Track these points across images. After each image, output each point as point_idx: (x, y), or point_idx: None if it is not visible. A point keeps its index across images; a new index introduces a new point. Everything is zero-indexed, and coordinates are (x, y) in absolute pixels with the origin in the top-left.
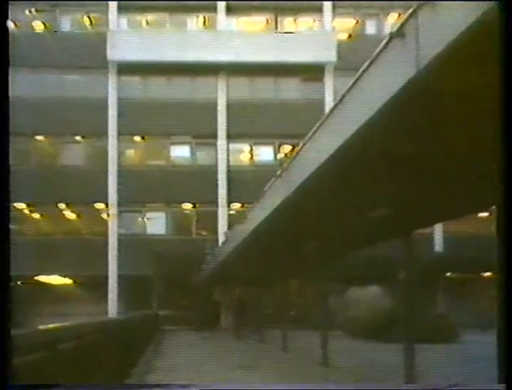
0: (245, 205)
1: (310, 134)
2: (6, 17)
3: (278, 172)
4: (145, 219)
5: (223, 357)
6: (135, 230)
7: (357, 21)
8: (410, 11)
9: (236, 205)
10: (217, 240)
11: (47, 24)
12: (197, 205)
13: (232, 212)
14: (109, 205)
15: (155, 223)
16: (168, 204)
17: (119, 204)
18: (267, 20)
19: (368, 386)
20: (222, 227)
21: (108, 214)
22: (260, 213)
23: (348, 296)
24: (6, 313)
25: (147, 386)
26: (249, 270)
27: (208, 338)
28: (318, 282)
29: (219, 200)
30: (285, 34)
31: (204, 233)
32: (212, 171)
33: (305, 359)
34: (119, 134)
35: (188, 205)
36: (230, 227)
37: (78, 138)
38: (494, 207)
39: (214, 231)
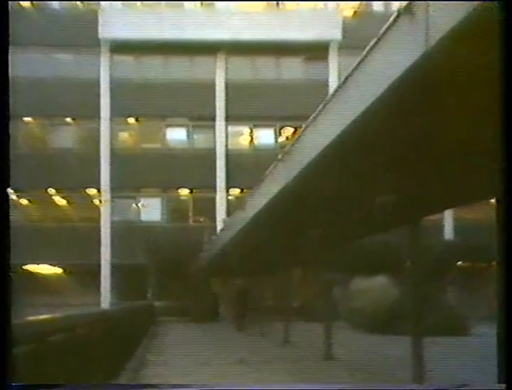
0: (245, 190)
1: (312, 116)
2: (7, 17)
3: (279, 156)
4: (140, 206)
5: (222, 350)
6: (129, 217)
7: None
8: None
9: (235, 191)
10: (215, 227)
11: (35, 1)
12: (194, 191)
13: (230, 198)
14: (101, 191)
15: (150, 209)
16: (164, 189)
17: (112, 189)
18: None
19: (368, 386)
20: (220, 214)
21: (100, 201)
22: (260, 199)
23: (353, 287)
24: (7, 313)
25: (147, 386)
26: (249, 259)
27: (207, 330)
28: (321, 272)
29: (218, 185)
30: (287, 11)
31: (201, 220)
32: (210, 154)
33: (307, 353)
34: (112, 116)
35: (184, 191)
36: (229, 213)
37: (69, 120)
38: None
39: (212, 218)
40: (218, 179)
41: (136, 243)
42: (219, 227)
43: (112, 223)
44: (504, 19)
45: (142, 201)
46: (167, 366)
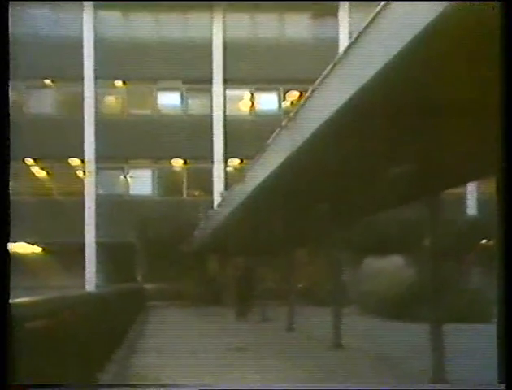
0: (245, 161)
1: (320, 79)
2: (7, 17)
3: (283, 123)
4: (128, 178)
5: (220, 338)
6: (116, 190)
7: None
8: None
9: (235, 162)
10: (212, 201)
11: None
12: (188, 162)
13: (229, 169)
14: (85, 162)
15: (140, 181)
16: (155, 160)
17: (98, 160)
18: None
19: (368, 386)
20: (218, 187)
21: (84, 172)
22: (262, 170)
23: (365, 268)
24: (6, 313)
25: (147, 386)
26: (250, 236)
27: (203, 315)
28: (330, 250)
29: (215, 155)
30: None
31: (197, 194)
32: (206, 121)
33: (314, 341)
34: (97, 78)
35: (178, 162)
36: (227, 186)
37: (47, 82)
38: None
39: (209, 191)
40: (215, 149)
41: (125, 219)
42: (217, 201)
43: (97, 196)
44: (504, 19)
45: (131, 173)
46: (158, 353)
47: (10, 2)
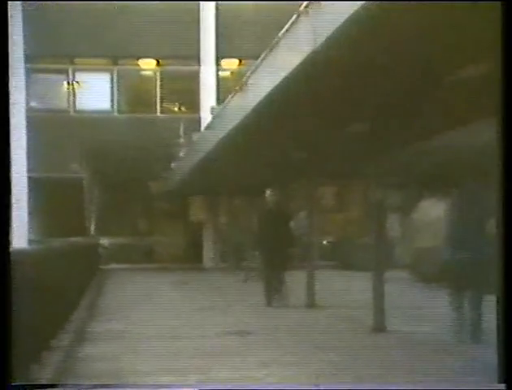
0: (243, 62)
1: None
2: (7, 17)
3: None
4: (75, 84)
5: (207, 318)
6: (56, 102)
7: None
8: None
9: (231, 63)
10: (198, 119)
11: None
12: (162, 63)
13: (223, 74)
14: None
15: (91, 91)
16: (114, 60)
17: (28, 58)
18: None
19: (368, 386)
20: (206, 100)
21: (7, 75)
22: (271, 74)
23: (418, 216)
24: (7, 313)
25: (147, 386)
26: (251, 169)
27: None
28: (361, 190)
29: (202, 53)
30: None
31: (175, 109)
32: (190, 3)
33: (341, 320)
34: None
35: (148, 62)
36: (220, 99)
37: None
38: None
39: (193, 106)
40: (202, 43)
41: (69, 145)
42: (205, 120)
43: (28, 111)
44: (504, 19)
45: (77, 77)
46: (114, 356)
47: (10, 2)
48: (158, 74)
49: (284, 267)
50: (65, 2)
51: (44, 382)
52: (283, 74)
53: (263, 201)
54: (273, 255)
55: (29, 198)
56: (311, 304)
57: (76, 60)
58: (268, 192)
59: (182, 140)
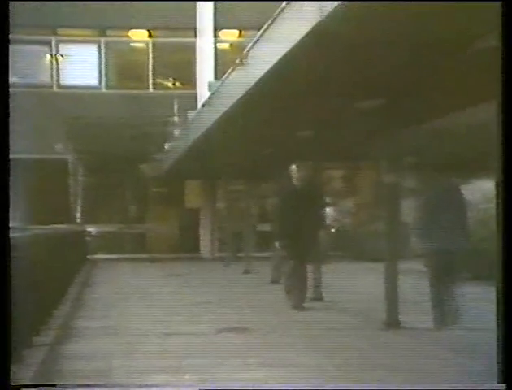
0: (244, 33)
1: None
2: (7, 17)
3: None
4: (57, 57)
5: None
6: (39, 77)
7: None
8: None
9: (230, 34)
10: (194, 96)
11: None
12: (153, 33)
13: (221, 46)
14: None
15: (77, 65)
16: (101, 30)
17: (12, 30)
18: None
19: (368, 386)
20: (203, 75)
21: None
22: (275, 46)
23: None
24: (6, 313)
25: (147, 386)
26: (252, 150)
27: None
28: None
29: (198, 23)
30: None
31: (169, 85)
32: None
33: (356, 317)
34: None
35: (139, 34)
36: (218, 73)
37: None
38: None
39: (190, 80)
40: (199, 13)
41: (54, 123)
42: (202, 96)
43: (12, 86)
44: (504, 19)
45: (62, 50)
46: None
47: (10, 2)
48: (150, 46)
49: (318, 259)
50: None
51: (39, 382)
52: (287, 46)
53: (285, 180)
54: (301, 245)
55: (13, 181)
56: (317, 297)
57: (60, 30)
58: (294, 167)
59: (176, 118)
